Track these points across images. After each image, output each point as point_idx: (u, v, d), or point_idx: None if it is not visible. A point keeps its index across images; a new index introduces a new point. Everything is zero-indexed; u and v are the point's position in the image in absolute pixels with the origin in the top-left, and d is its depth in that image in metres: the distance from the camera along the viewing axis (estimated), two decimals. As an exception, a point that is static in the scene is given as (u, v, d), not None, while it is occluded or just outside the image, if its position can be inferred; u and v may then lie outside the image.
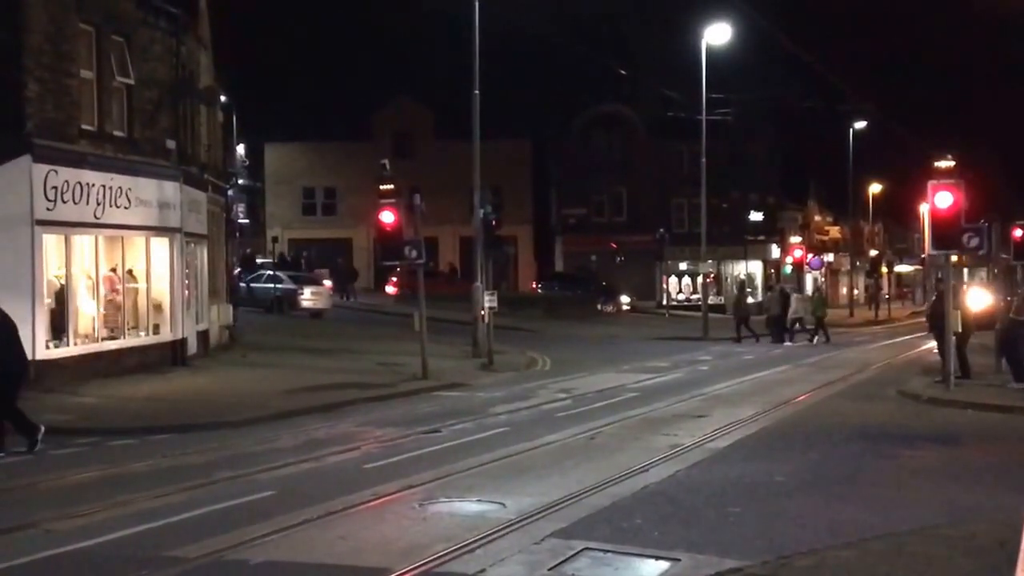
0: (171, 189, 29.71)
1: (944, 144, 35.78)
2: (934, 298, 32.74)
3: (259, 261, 65.28)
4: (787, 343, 46.24)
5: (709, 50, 51.63)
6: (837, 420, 21.51)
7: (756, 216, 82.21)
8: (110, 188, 26.78)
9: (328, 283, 59.80)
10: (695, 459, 16.64)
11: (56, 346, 25.41)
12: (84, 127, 26.42)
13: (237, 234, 58.41)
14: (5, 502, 13.69)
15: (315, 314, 53.74)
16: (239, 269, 59.23)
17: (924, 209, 29.52)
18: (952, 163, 25.35)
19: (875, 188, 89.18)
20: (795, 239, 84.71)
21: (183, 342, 30.39)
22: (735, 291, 51.97)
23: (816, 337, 47.71)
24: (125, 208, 27.45)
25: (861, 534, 11.50)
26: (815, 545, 11.03)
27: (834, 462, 16.58)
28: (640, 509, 12.93)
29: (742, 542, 11.42)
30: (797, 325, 48.43)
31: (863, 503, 13.50)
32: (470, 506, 13.12)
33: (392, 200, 29.54)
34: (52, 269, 25.61)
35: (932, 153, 27.12)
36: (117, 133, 27.91)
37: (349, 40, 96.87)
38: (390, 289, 65.64)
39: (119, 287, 28.09)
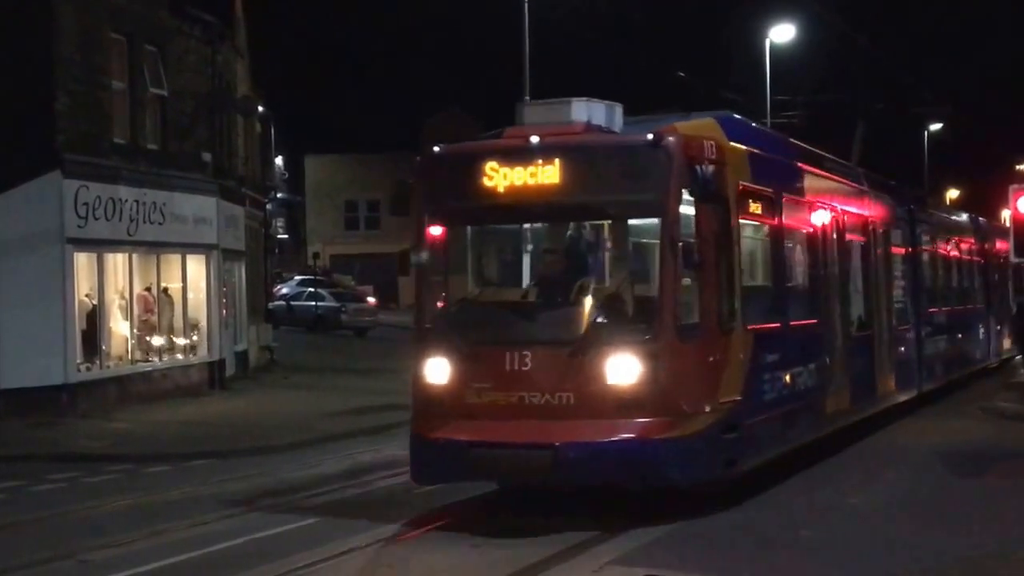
0: (207, 204, 29.92)
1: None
2: (1015, 311, 32.37)
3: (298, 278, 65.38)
4: None
5: (774, 49, 51.15)
6: (915, 438, 21.29)
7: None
8: (144, 204, 27.02)
9: (372, 299, 60.00)
10: (764, 480, 16.55)
11: (88, 369, 25.64)
12: (116, 140, 26.66)
13: (276, 250, 58.64)
14: (40, 532, 13.86)
15: (359, 332, 53.94)
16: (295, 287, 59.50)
17: (1006, 215, 29.14)
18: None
19: (953, 193, 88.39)
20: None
21: (221, 363, 30.56)
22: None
23: None
24: (159, 224, 27.67)
25: (941, 559, 11.41)
26: (892, 571, 10.97)
27: (912, 483, 16.42)
28: (706, 532, 12.90)
29: (813, 567, 11.36)
30: None
31: (943, 526, 13.37)
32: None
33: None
34: (84, 289, 25.86)
35: (1014, 156, 26.94)
36: (151, 146, 28.14)
37: (393, 49, 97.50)
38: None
39: (154, 307, 28.28)
